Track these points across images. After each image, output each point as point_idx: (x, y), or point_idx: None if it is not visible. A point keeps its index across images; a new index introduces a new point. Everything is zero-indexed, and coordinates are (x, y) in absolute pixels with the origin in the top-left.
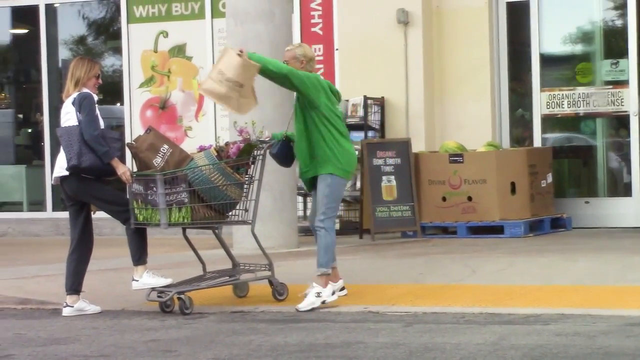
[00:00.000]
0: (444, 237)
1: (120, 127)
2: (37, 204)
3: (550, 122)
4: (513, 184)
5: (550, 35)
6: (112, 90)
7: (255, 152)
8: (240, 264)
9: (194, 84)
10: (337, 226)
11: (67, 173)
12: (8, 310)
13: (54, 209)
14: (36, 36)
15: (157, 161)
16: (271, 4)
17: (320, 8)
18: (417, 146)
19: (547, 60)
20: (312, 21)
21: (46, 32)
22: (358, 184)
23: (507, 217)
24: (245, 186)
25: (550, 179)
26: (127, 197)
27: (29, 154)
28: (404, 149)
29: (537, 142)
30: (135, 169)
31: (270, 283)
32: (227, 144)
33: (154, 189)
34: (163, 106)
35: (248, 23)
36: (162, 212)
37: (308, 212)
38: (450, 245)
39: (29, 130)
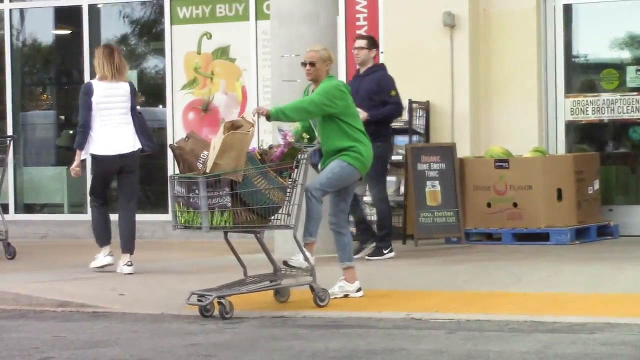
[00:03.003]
0: (488, 243)
1: (162, 130)
2: (77, 206)
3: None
4: (559, 191)
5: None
6: (154, 92)
7: (299, 155)
8: (281, 268)
9: (237, 86)
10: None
11: None
12: (48, 313)
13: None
14: (79, 37)
15: (199, 167)
16: (316, 5)
17: (365, 10)
18: (462, 151)
19: (575, 66)
20: (357, 23)
21: (89, 32)
22: (402, 189)
23: (553, 224)
24: (288, 190)
25: (597, 185)
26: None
27: (70, 155)
28: (448, 154)
29: (561, 149)
30: (177, 171)
31: (312, 289)
32: (270, 147)
33: (196, 191)
34: (206, 108)
35: (292, 25)
36: (203, 215)
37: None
38: (495, 252)
39: (70, 132)
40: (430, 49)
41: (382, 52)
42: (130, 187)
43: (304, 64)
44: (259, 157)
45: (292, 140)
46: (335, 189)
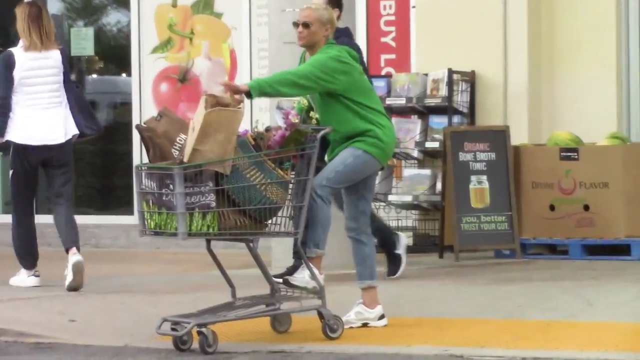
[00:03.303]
0: (551, 258)
1: (125, 105)
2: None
3: None
4: None
5: None
6: (116, 56)
7: (305, 141)
8: (281, 288)
9: (225, 50)
10: (410, 241)
11: None
12: None
13: (38, 211)
14: None
15: (175, 154)
16: None
17: None
18: (518, 137)
19: None
20: None
21: None
22: (438, 186)
23: (635, 233)
24: (291, 186)
25: None
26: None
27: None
28: (500, 141)
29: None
30: (145, 160)
31: (320, 315)
32: (268, 129)
33: (171, 186)
34: (183, 78)
35: None
36: (180, 218)
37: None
38: (560, 269)
39: None
40: (477, 4)
41: (413, 7)
42: (62, 183)
43: (295, 25)
44: (253, 143)
45: (297, 120)
46: (347, 185)
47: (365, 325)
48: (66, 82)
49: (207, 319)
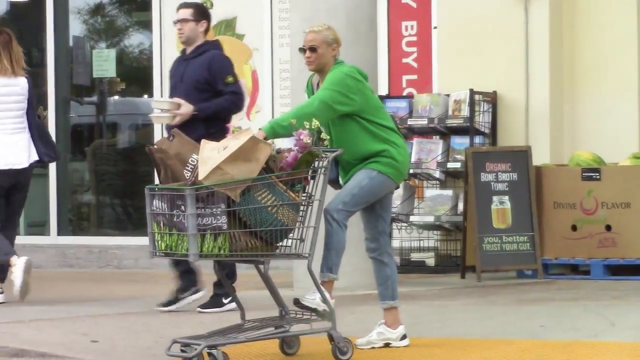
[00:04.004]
0: (573, 278)
1: (147, 127)
2: (37, 226)
3: None
4: None
5: None
6: (138, 77)
7: (317, 163)
8: (291, 311)
9: (246, 71)
10: (432, 261)
11: None
12: None
13: (60, 232)
14: (40, 5)
15: (187, 175)
16: None
17: None
18: (540, 157)
19: None
20: None
21: (54, 0)
22: (460, 207)
23: None
24: (302, 208)
25: None
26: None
27: None
28: (522, 161)
29: None
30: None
31: (331, 338)
32: (279, 151)
33: (182, 207)
34: None
35: None
36: (191, 239)
37: (394, 242)
38: (582, 290)
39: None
40: (498, 24)
41: (435, 28)
42: (19, 203)
43: (302, 50)
44: (265, 165)
45: (309, 141)
46: (363, 207)
47: (387, 345)
48: (29, 108)
49: (217, 341)
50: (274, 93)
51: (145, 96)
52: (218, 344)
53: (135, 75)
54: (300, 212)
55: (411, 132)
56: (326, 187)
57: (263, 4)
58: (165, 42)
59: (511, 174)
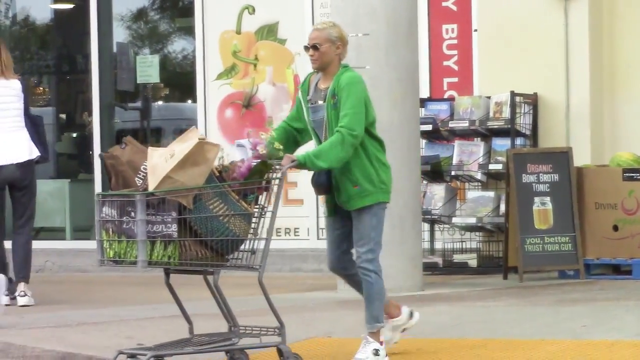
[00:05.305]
0: (615, 278)
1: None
2: (83, 231)
3: None
4: None
5: None
6: (181, 83)
7: (270, 174)
8: (241, 326)
9: (288, 75)
10: (474, 263)
11: None
12: None
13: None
14: (84, 13)
15: (138, 182)
16: None
17: None
18: (581, 158)
19: None
20: None
21: (97, 7)
22: (502, 208)
23: None
24: (254, 219)
25: None
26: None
27: (74, 165)
28: (563, 162)
29: None
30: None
31: (280, 353)
32: (232, 163)
33: (132, 214)
34: (248, 104)
35: None
36: (140, 246)
37: (437, 244)
38: (624, 289)
39: (74, 135)
40: (538, 26)
41: (475, 31)
42: (25, 204)
43: (306, 48)
44: (217, 174)
45: (264, 152)
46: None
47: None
48: (26, 109)
49: (163, 351)
50: None
51: (189, 101)
52: (164, 354)
53: (179, 80)
54: (253, 224)
55: (452, 135)
56: (279, 198)
57: (304, 9)
58: (207, 48)
59: (552, 175)
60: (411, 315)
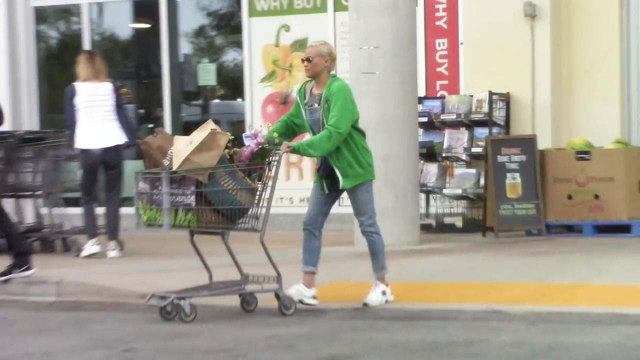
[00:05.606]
0: (569, 235)
1: (240, 123)
2: None
3: None
4: None
5: None
6: (233, 85)
7: (270, 157)
8: (249, 275)
9: None
10: (460, 224)
11: None
12: (130, 305)
13: None
14: (157, 30)
15: (165, 163)
16: None
17: (444, 1)
18: (543, 143)
19: None
20: (437, 14)
21: (167, 26)
22: (482, 182)
23: (635, 216)
24: (257, 192)
25: None
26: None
27: None
28: (529, 146)
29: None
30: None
31: (277, 296)
32: (240, 148)
33: (160, 188)
34: (284, 101)
35: (370, 16)
36: (165, 213)
37: (431, 209)
38: (576, 244)
39: (150, 126)
40: (510, 40)
41: (461, 44)
42: (114, 180)
43: (302, 60)
44: (228, 157)
45: (262, 140)
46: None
47: (300, 302)
48: (118, 106)
49: (185, 294)
50: None
51: (239, 99)
52: (186, 296)
53: (231, 83)
54: (256, 196)
55: (443, 125)
56: (277, 176)
57: (328, 27)
58: (253, 58)
59: (521, 156)
60: (314, 297)
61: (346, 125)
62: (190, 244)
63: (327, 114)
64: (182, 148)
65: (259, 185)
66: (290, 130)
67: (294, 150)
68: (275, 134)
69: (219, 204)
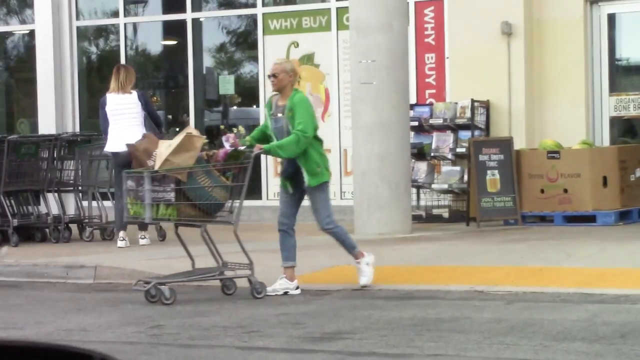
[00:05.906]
0: (542, 225)
1: (256, 127)
2: None
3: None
4: (605, 178)
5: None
6: (249, 94)
7: (243, 159)
8: (228, 262)
9: (321, 89)
10: (447, 215)
11: None
12: None
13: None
14: (184, 47)
15: (150, 164)
16: (389, 16)
17: (432, 21)
18: (519, 144)
19: (618, 68)
20: (426, 32)
21: (192, 42)
22: (465, 178)
23: (599, 207)
24: (231, 189)
25: (639, 173)
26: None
27: None
28: (506, 146)
29: (606, 141)
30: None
31: (249, 281)
32: (216, 151)
33: (143, 185)
34: None
35: (368, 34)
36: (147, 207)
37: (421, 202)
38: (548, 232)
39: (177, 130)
40: (490, 55)
41: (447, 58)
42: None
43: (269, 76)
44: (206, 158)
45: (234, 142)
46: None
47: (285, 293)
48: (149, 112)
49: (165, 280)
50: (340, 103)
51: (254, 107)
52: (166, 282)
53: (247, 92)
54: (229, 193)
55: (432, 128)
56: (249, 175)
57: (332, 43)
58: (267, 70)
59: (499, 155)
60: (297, 288)
61: (311, 130)
62: (175, 235)
63: (292, 121)
64: (163, 150)
65: (233, 183)
66: (264, 137)
67: (266, 152)
68: (249, 138)
69: (196, 199)
